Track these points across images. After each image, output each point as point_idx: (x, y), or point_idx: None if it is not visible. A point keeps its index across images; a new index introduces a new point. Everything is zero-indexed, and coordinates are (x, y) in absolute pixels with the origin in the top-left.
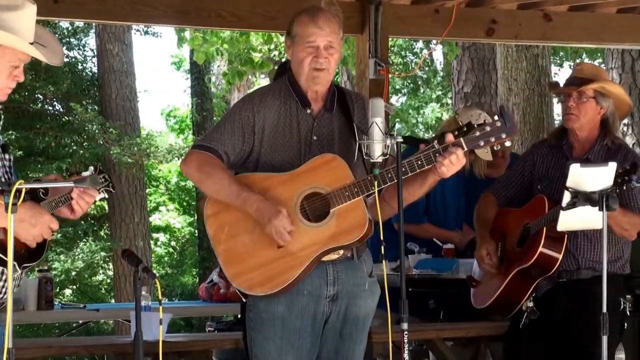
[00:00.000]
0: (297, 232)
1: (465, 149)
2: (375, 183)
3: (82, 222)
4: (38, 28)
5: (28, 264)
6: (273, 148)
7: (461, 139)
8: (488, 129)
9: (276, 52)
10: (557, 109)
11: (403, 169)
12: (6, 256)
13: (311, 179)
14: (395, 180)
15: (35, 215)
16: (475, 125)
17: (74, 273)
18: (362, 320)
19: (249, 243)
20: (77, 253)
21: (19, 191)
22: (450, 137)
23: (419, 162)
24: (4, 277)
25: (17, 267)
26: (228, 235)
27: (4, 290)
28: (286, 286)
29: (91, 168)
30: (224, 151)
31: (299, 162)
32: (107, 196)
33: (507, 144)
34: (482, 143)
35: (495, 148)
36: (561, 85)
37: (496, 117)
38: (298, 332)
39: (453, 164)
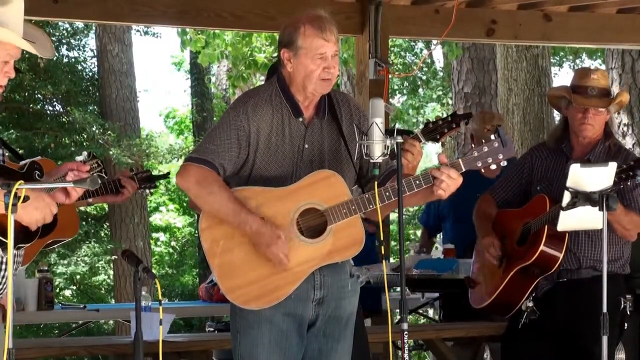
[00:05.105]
0: (293, 248)
1: (464, 169)
2: (376, 183)
3: (83, 223)
4: (25, 25)
5: (22, 244)
6: (267, 158)
7: (459, 160)
8: (486, 149)
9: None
10: None
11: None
12: (5, 237)
13: (308, 195)
14: (394, 199)
15: (38, 199)
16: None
17: (78, 277)
18: (346, 320)
19: (244, 257)
20: (80, 255)
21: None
22: (443, 159)
23: (417, 182)
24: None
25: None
26: (223, 249)
27: (3, 279)
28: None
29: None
30: (220, 164)
31: (292, 171)
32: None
33: (503, 164)
34: (479, 164)
35: (492, 167)
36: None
37: (493, 137)
38: (285, 334)
39: (449, 185)
